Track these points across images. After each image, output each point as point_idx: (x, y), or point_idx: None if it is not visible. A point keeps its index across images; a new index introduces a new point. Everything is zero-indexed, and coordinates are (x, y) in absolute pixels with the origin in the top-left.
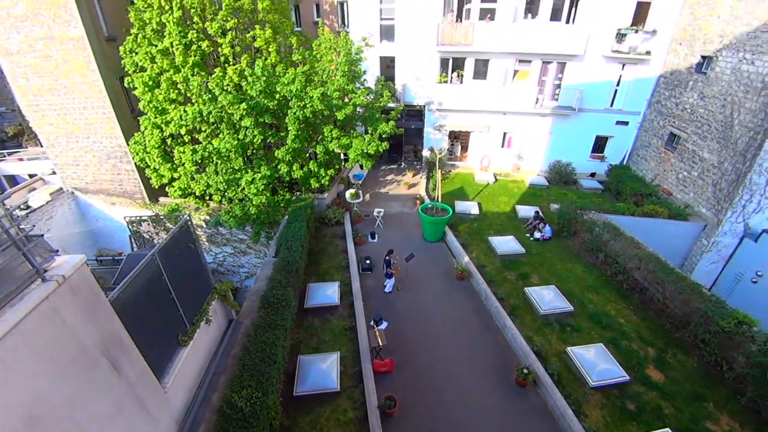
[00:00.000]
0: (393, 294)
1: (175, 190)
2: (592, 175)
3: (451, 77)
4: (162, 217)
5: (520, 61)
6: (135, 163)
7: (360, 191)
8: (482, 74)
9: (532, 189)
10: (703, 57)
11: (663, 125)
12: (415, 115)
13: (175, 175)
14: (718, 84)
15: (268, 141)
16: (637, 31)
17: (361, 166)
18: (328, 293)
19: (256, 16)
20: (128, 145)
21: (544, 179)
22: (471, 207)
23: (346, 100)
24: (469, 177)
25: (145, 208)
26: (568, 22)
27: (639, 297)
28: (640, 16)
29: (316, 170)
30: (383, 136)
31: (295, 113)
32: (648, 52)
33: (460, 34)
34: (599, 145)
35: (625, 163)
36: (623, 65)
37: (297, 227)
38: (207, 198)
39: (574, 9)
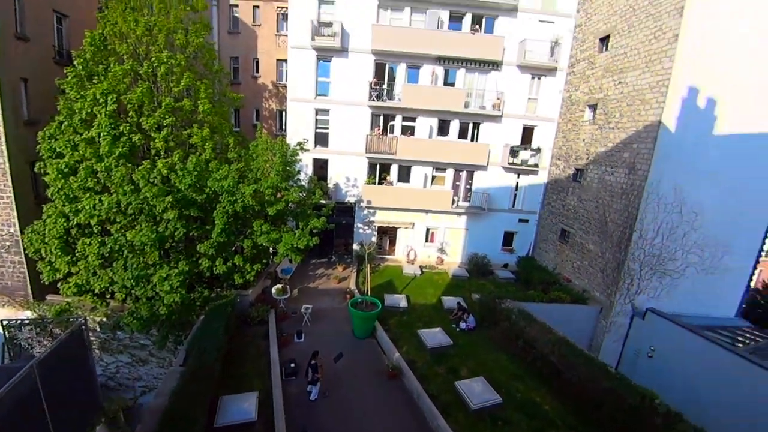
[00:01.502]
0: (319, 401)
1: (70, 287)
2: (505, 266)
3: (379, 179)
4: (47, 320)
5: (437, 168)
6: (26, 255)
7: (288, 286)
8: (406, 178)
9: (455, 280)
10: (577, 169)
11: (555, 222)
12: (346, 211)
13: (73, 270)
14: (591, 190)
15: (190, 234)
16: (525, 149)
17: (291, 260)
18: (244, 407)
19: (196, 116)
20: (22, 233)
21: (465, 271)
22: (400, 300)
23: (279, 196)
24: (398, 270)
25: (25, 309)
26: (473, 140)
27: (558, 381)
28: (527, 137)
29: (241, 265)
30: (314, 231)
31: (224, 208)
32: (536, 165)
33: (386, 145)
34: (508, 239)
35: (530, 254)
36: (519, 174)
37: (214, 328)
38: (107, 296)
39: (476, 131)
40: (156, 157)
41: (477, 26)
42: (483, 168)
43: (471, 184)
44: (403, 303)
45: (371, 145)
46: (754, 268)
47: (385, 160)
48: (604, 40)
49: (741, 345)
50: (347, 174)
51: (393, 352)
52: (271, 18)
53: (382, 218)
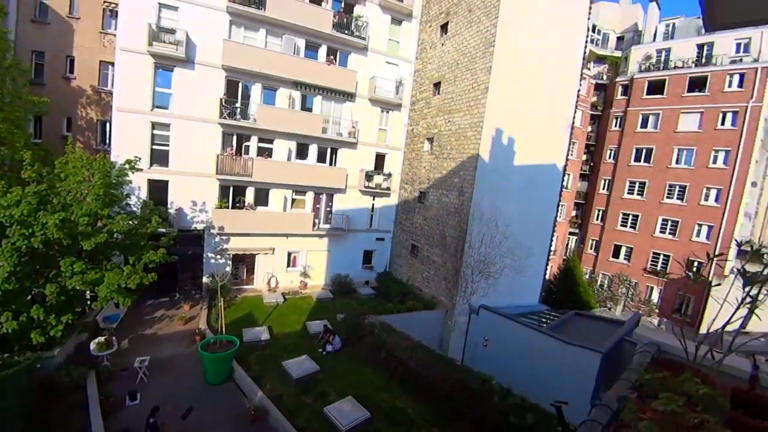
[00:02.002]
0: None
1: None
2: (366, 283)
3: (233, 203)
4: None
5: (297, 191)
6: None
7: (113, 338)
8: (264, 201)
9: (319, 303)
10: (421, 192)
11: (406, 239)
12: (193, 240)
13: None
14: (432, 210)
15: None
16: (379, 174)
17: (117, 305)
18: None
19: None
20: None
21: (330, 292)
22: (261, 333)
23: (99, 225)
24: (258, 300)
25: None
26: (332, 164)
27: (416, 384)
28: (380, 163)
29: (41, 318)
30: (150, 265)
31: (14, 244)
32: (388, 188)
33: (240, 166)
34: (367, 257)
35: (387, 270)
36: (374, 197)
37: None
38: None
39: (335, 156)
40: None
41: (332, 57)
42: (342, 191)
43: (331, 207)
44: (265, 335)
45: (224, 165)
46: (547, 264)
47: (240, 183)
48: (437, 85)
49: (544, 324)
50: (194, 197)
51: (255, 392)
52: (94, 11)
53: (237, 245)
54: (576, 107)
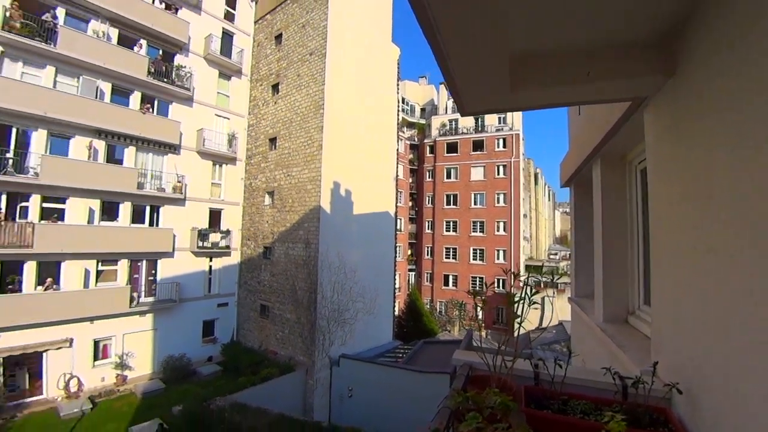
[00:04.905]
0: None
1: None
2: (210, 359)
3: (1, 285)
4: None
5: (104, 261)
6: None
7: None
8: (53, 278)
9: (147, 399)
10: (266, 247)
11: (254, 300)
12: None
13: None
14: (280, 264)
15: None
16: (215, 232)
17: None
18: None
19: None
20: None
21: (160, 382)
22: None
23: None
24: (51, 415)
25: None
26: (152, 225)
27: None
28: (215, 220)
29: None
30: None
31: None
32: (227, 247)
33: (12, 235)
34: (208, 328)
35: (234, 339)
36: (211, 257)
37: None
38: None
39: (156, 214)
40: None
41: (149, 106)
42: (169, 254)
43: (155, 275)
44: None
45: None
46: (394, 301)
47: (13, 257)
48: (273, 140)
49: (400, 359)
50: None
51: None
52: None
53: (12, 343)
54: (398, 163)
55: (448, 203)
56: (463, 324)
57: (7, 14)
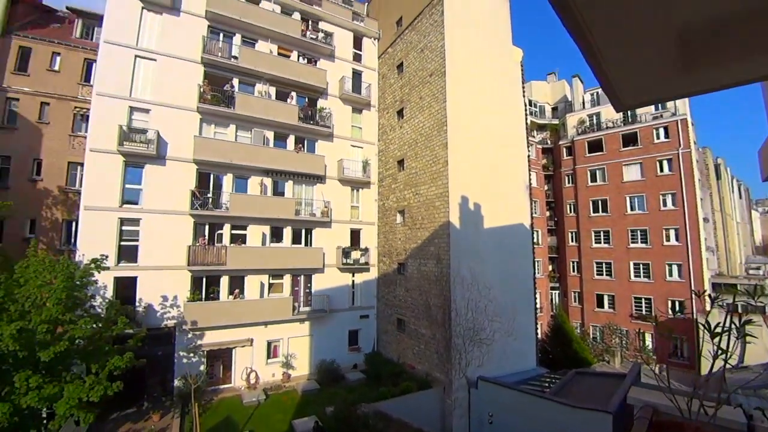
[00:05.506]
0: None
1: None
2: (354, 366)
3: (206, 294)
4: None
5: (274, 275)
6: None
7: None
8: (240, 289)
9: (305, 396)
10: (399, 263)
11: (391, 314)
12: (162, 338)
13: None
14: (413, 280)
15: None
16: (355, 250)
17: (78, 422)
18: None
19: None
20: None
21: (315, 382)
22: None
23: (59, 332)
24: (236, 401)
25: None
26: (307, 245)
27: None
28: (355, 239)
29: None
30: (115, 372)
31: None
32: (366, 263)
33: (213, 255)
34: (353, 338)
35: (375, 350)
36: (353, 273)
37: None
38: None
39: (309, 236)
40: None
41: (300, 146)
42: (320, 270)
43: (311, 288)
44: None
45: (195, 256)
46: (536, 323)
47: (214, 272)
48: (401, 162)
49: (547, 389)
50: (164, 292)
51: None
52: (64, 117)
53: (212, 340)
54: (530, 170)
55: (596, 210)
56: (625, 354)
57: (202, 90)
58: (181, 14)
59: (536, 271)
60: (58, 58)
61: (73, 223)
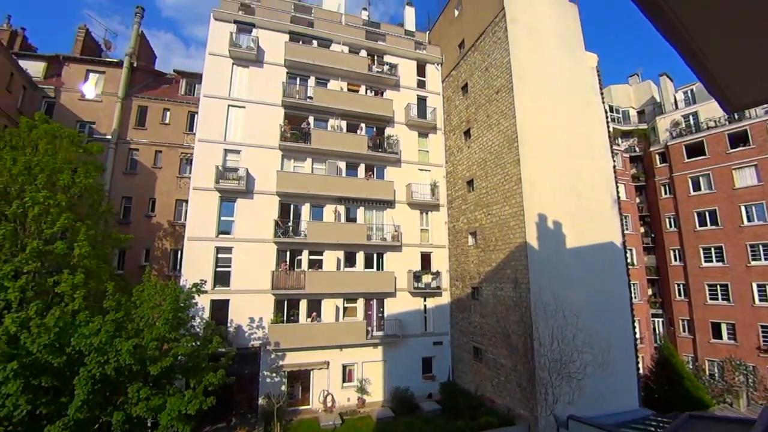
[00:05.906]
0: None
1: None
2: (429, 396)
3: (287, 317)
4: None
5: (348, 299)
6: None
7: None
8: (317, 312)
9: (380, 424)
10: (473, 288)
11: (467, 341)
12: (248, 357)
13: None
14: (489, 306)
15: (37, 412)
16: (427, 273)
17: None
18: None
19: (69, 259)
20: None
21: (390, 410)
22: None
23: (165, 349)
24: (314, 423)
25: None
26: (379, 269)
27: None
28: (426, 263)
29: None
30: (209, 388)
31: (90, 371)
32: (438, 287)
33: (294, 280)
34: (427, 365)
35: (450, 379)
36: (425, 297)
37: None
38: None
39: (381, 260)
40: (4, 311)
41: (370, 173)
42: (392, 294)
43: (383, 312)
44: None
45: (278, 281)
46: (636, 356)
47: (294, 296)
48: (470, 182)
49: None
50: (251, 314)
51: None
52: (173, 161)
53: (292, 361)
54: (617, 181)
55: (702, 223)
56: (752, 396)
57: (283, 129)
58: (264, 65)
59: (633, 296)
60: (168, 113)
61: (179, 252)
